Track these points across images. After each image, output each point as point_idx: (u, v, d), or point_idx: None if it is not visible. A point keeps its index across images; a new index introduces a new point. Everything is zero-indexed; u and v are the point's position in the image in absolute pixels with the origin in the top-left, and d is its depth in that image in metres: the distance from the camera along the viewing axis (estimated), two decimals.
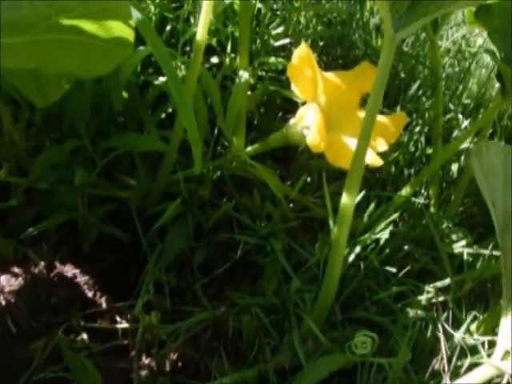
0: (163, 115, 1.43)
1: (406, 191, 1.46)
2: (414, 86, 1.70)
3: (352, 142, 1.31)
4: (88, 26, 0.95)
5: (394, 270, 1.26)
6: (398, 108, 1.65)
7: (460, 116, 1.86)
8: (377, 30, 1.79)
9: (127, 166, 1.45)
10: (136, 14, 0.98)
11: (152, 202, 1.44)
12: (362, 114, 1.38)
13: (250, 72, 1.38)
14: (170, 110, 1.43)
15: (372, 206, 1.32)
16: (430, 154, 1.66)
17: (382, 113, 1.50)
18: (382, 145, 1.34)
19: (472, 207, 1.68)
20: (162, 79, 1.40)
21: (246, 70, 1.38)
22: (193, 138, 1.00)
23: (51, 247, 1.31)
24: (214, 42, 1.48)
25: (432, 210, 1.60)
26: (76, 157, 1.41)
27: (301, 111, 1.27)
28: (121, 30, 0.97)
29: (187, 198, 1.40)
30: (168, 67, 0.98)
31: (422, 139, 1.65)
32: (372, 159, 1.26)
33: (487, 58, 2.19)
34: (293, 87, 1.32)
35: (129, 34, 0.98)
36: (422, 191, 1.60)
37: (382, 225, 1.29)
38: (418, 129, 1.65)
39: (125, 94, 1.35)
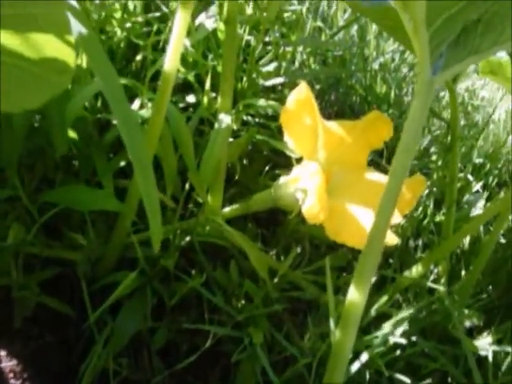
0: (123, 163, 1.10)
1: (415, 271, 1.15)
2: (425, 141, 1.39)
3: (358, 212, 1.00)
4: (9, 40, 0.64)
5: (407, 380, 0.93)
6: None
7: (470, 177, 1.55)
8: (383, 72, 1.49)
9: (77, 220, 1.13)
10: (79, 27, 0.66)
11: (105, 269, 1.14)
12: (370, 176, 1.07)
13: (233, 116, 1.07)
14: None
15: (383, 300, 1.00)
16: (439, 222, 1.34)
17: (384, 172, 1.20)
18: (395, 216, 1.03)
19: (487, 286, 1.37)
20: None
21: (228, 113, 1.07)
22: (149, 207, 0.69)
23: None
24: (191, 76, 1.17)
25: (441, 289, 1.28)
26: (13, 207, 1.08)
27: (296, 171, 0.95)
28: (55, 48, 0.66)
29: (147, 267, 1.06)
30: (119, 106, 0.67)
31: (431, 204, 1.34)
32: (388, 236, 0.95)
33: (496, 113, 1.90)
34: (286, 138, 1.01)
35: (67, 55, 0.67)
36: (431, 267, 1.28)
37: (392, 321, 0.97)
38: (426, 191, 1.34)
39: (73, 135, 1.02)
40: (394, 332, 0.95)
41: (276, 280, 1.15)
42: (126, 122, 0.68)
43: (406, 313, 1.01)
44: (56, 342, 1.12)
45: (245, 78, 1.19)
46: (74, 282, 1.11)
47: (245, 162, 1.20)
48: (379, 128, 1.09)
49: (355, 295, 0.82)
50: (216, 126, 1.06)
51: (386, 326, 0.98)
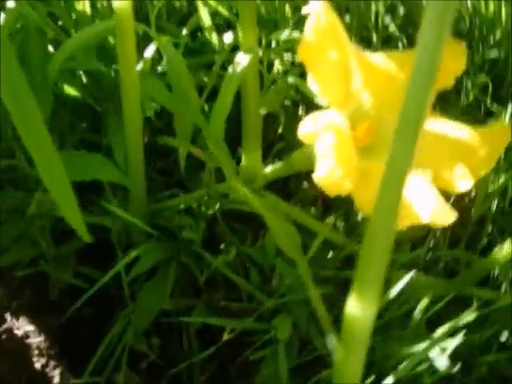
0: None
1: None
2: None
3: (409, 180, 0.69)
4: None
5: None
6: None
7: None
8: None
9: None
10: None
11: (138, 238, 0.91)
12: (435, 125, 0.75)
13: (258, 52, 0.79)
14: None
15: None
16: None
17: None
18: (463, 178, 0.71)
19: None
20: None
21: (249, 52, 0.79)
22: (57, 194, 0.47)
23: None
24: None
25: None
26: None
27: (307, 123, 0.66)
28: None
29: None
30: None
31: None
32: (436, 213, 0.65)
33: None
34: (309, 80, 0.71)
35: None
36: None
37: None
38: None
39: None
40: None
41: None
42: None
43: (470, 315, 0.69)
44: (90, 315, 0.97)
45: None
46: (109, 252, 0.94)
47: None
48: (449, 59, 0.75)
49: (357, 307, 0.54)
50: (230, 68, 0.79)
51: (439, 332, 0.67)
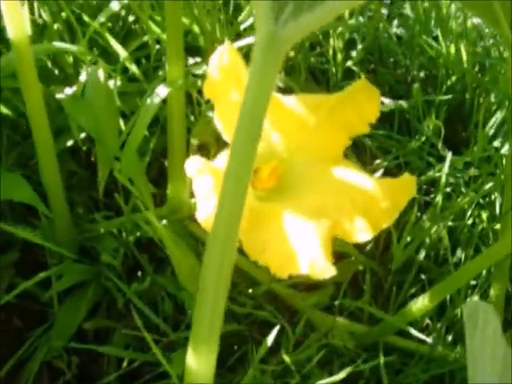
0: None
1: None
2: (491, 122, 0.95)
3: (300, 226, 0.67)
4: None
5: None
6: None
7: None
8: None
9: None
10: None
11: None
12: (339, 172, 0.72)
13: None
14: None
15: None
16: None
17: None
18: (362, 230, 0.67)
19: None
20: None
21: (173, 84, 0.77)
22: None
23: None
24: None
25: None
26: None
27: (188, 166, 0.64)
28: None
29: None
30: None
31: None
32: (314, 265, 0.62)
33: None
34: (214, 117, 0.69)
35: None
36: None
37: None
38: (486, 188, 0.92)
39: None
40: None
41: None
42: None
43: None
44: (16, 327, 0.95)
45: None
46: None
47: None
48: (362, 105, 0.72)
49: (194, 364, 0.52)
50: (148, 100, 0.77)
51: None
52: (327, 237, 0.67)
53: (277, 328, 0.71)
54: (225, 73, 0.69)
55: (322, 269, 0.62)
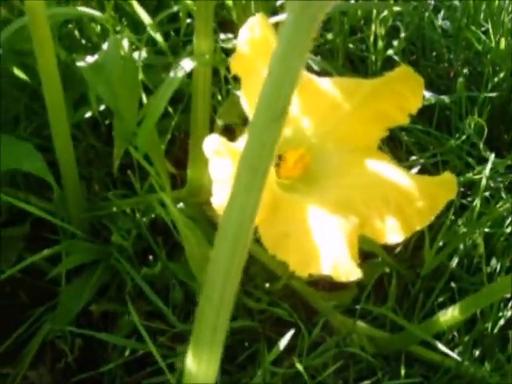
0: None
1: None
2: None
3: (324, 221, 0.59)
4: None
5: None
6: None
7: None
8: None
9: None
10: None
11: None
12: (373, 165, 0.64)
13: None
14: None
15: None
16: None
17: None
18: (393, 232, 0.59)
19: None
20: None
21: (201, 57, 0.70)
22: None
23: None
24: None
25: None
26: None
27: (207, 145, 0.56)
28: None
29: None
30: None
31: None
32: (338, 266, 0.54)
33: None
34: (241, 95, 0.62)
35: None
36: None
37: None
38: None
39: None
40: None
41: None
42: None
43: None
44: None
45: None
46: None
47: None
48: (403, 94, 0.64)
49: (194, 368, 0.45)
50: (171, 74, 0.70)
51: None
52: (354, 235, 0.59)
53: (292, 331, 0.64)
54: (255, 47, 0.61)
55: (347, 270, 0.55)
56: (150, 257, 0.84)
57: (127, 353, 0.75)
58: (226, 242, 0.40)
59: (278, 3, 0.83)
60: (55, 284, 0.84)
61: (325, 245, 0.57)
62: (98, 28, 0.91)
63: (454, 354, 0.73)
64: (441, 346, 0.72)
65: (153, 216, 0.81)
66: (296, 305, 0.81)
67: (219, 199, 0.56)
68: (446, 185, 0.62)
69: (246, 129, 0.68)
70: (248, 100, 0.63)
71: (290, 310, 0.77)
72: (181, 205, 0.81)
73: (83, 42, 0.94)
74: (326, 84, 0.66)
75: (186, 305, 0.80)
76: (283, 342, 0.63)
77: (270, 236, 0.59)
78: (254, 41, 0.61)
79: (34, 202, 0.81)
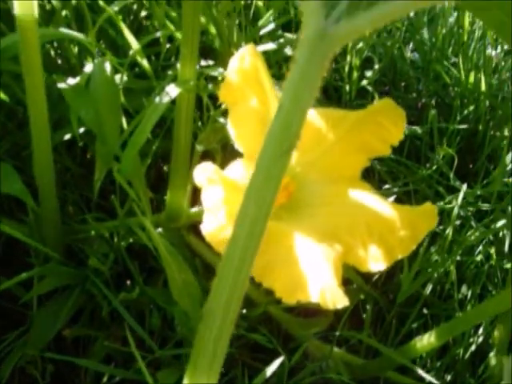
0: None
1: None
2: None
3: (309, 249, 0.60)
4: None
5: None
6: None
7: None
8: None
9: None
10: None
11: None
12: (356, 195, 0.65)
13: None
14: None
15: None
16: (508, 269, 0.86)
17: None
18: (376, 260, 0.61)
19: None
20: None
21: (185, 83, 0.70)
22: None
23: None
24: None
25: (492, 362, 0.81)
26: None
27: (198, 173, 0.57)
28: None
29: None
30: None
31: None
32: (326, 294, 0.55)
33: None
34: (228, 124, 0.63)
35: None
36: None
37: None
38: (497, 225, 0.86)
39: None
40: None
41: None
42: None
43: None
44: None
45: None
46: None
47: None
48: (387, 125, 0.66)
49: None
50: (156, 99, 0.70)
51: None
52: (339, 263, 0.61)
53: (281, 358, 0.64)
54: (244, 77, 0.62)
55: (334, 298, 0.56)
56: (127, 281, 0.84)
57: (105, 379, 0.74)
58: (229, 271, 0.41)
59: (261, 32, 0.84)
60: (29, 307, 0.82)
61: (312, 272, 0.58)
62: (76, 49, 0.91)
63: (431, 378, 0.75)
64: (419, 371, 0.73)
65: (130, 241, 0.81)
66: (272, 331, 0.81)
67: (209, 226, 0.57)
68: (427, 214, 0.64)
69: (232, 156, 0.69)
70: (236, 128, 0.63)
71: (268, 335, 0.77)
72: (160, 230, 0.81)
73: (59, 62, 0.93)
74: (311, 114, 0.68)
75: (164, 331, 0.80)
76: (270, 369, 0.63)
77: (256, 264, 0.59)
78: (244, 70, 0.62)
79: (7, 223, 0.80)
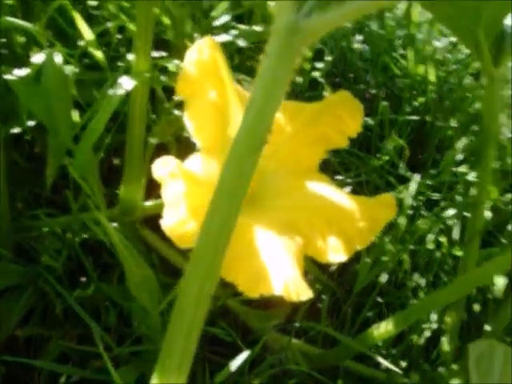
0: None
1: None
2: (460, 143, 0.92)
3: (270, 241, 0.60)
4: None
5: None
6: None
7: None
8: None
9: None
10: None
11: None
12: (313, 186, 0.65)
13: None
14: None
15: None
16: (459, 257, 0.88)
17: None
18: (336, 251, 0.61)
19: None
20: None
21: (139, 75, 0.68)
22: None
23: None
24: None
25: (445, 349, 0.83)
26: None
27: (157, 168, 0.56)
28: None
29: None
30: None
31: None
32: (290, 287, 0.55)
33: None
34: (185, 117, 0.62)
35: None
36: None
37: None
38: (447, 214, 0.88)
39: None
40: None
41: None
42: None
43: None
44: None
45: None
46: None
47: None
48: (343, 118, 0.66)
49: None
50: (110, 92, 0.68)
51: None
52: (300, 255, 0.61)
53: (246, 353, 0.64)
54: (203, 69, 0.61)
55: (298, 290, 0.56)
56: (81, 278, 0.82)
57: (63, 379, 0.73)
58: (200, 268, 0.40)
59: (215, 24, 0.84)
60: None
61: (274, 265, 0.58)
62: (23, 39, 0.87)
63: (389, 364, 0.76)
64: (378, 358, 0.74)
65: (84, 236, 0.79)
66: (231, 324, 0.81)
67: (170, 221, 0.56)
68: (386, 205, 0.65)
69: (188, 149, 0.68)
70: (194, 122, 0.63)
71: (228, 328, 0.77)
72: (114, 224, 0.79)
73: (3, 52, 0.90)
74: None
75: (120, 328, 0.78)
76: (234, 364, 0.63)
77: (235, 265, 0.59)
78: (202, 62, 0.61)
79: None
